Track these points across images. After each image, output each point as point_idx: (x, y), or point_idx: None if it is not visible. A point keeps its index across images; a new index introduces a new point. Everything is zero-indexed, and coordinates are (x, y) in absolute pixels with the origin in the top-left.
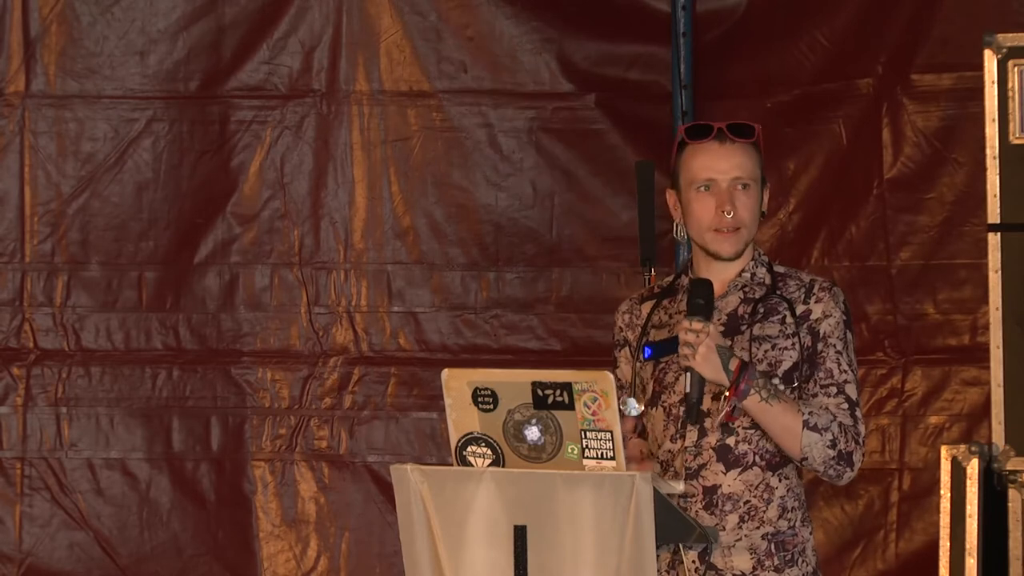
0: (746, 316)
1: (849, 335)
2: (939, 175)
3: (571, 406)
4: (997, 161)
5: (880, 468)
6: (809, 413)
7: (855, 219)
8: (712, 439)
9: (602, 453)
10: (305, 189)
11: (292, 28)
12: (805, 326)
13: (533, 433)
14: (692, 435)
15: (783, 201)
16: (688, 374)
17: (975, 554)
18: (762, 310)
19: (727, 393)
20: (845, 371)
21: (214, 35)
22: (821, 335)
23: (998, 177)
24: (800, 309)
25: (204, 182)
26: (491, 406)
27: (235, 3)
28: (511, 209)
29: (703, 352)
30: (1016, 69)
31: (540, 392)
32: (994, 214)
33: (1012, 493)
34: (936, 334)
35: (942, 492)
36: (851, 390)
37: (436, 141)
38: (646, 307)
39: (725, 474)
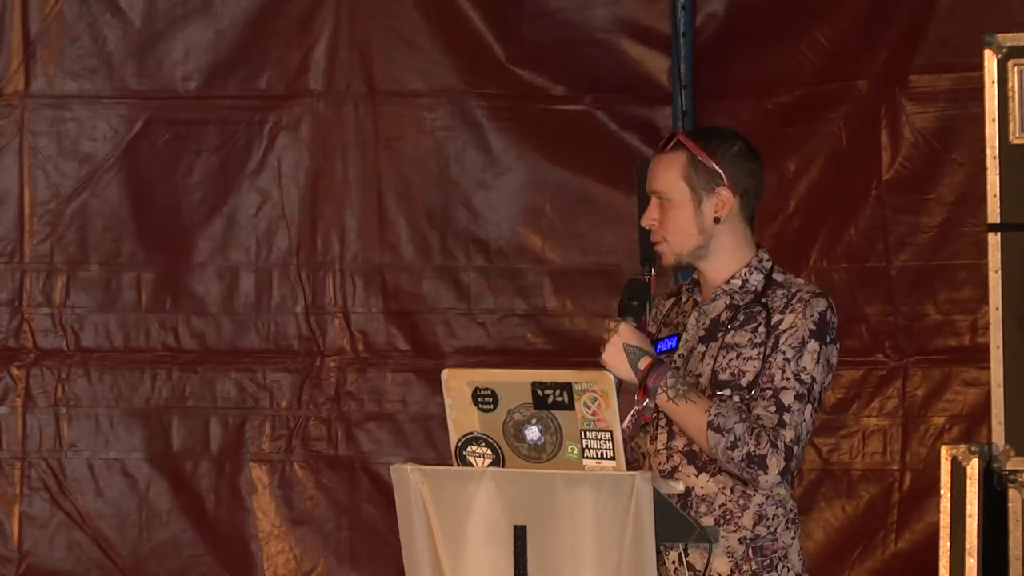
0: (727, 323)
1: (812, 344)
2: (938, 176)
3: (571, 406)
4: (997, 161)
5: (881, 469)
6: (716, 414)
7: (854, 220)
8: (680, 442)
9: (602, 453)
10: (303, 189)
11: (290, 28)
12: (773, 336)
13: (533, 433)
14: (662, 438)
15: (783, 202)
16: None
17: (975, 554)
18: (741, 318)
19: (638, 392)
20: (787, 378)
21: (213, 35)
22: (778, 344)
23: (998, 177)
24: (775, 319)
25: (202, 182)
26: (491, 406)
27: (234, 3)
28: (509, 209)
29: (609, 350)
30: (1016, 69)
31: (540, 392)
32: (994, 214)
33: (1012, 493)
34: (936, 335)
35: (942, 492)
36: (786, 396)
37: (434, 141)
38: (668, 303)
39: (697, 476)
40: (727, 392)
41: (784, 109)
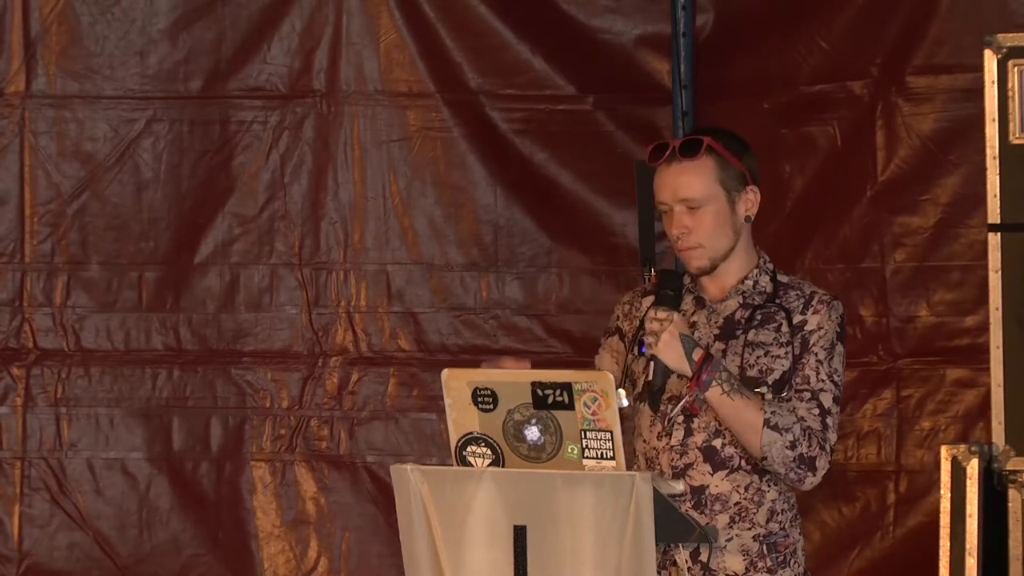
0: (743, 322)
1: (839, 347)
2: (934, 177)
3: (571, 406)
4: (997, 161)
5: (877, 470)
6: (772, 412)
7: (850, 221)
8: (698, 439)
9: (602, 453)
10: (305, 189)
11: (292, 28)
12: (799, 336)
13: (533, 433)
14: (678, 434)
15: (779, 202)
16: (652, 361)
17: (975, 554)
18: (759, 317)
19: (689, 383)
20: (823, 380)
21: (214, 35)
22: (808, 345)
23: (998, 177)
24: (797, 319)
25: (204, 182)
26: (491, 406)
27: (235, 3)
28: (510, 210)
29: (666, 339)
30: (1016, 69)
31: (540, 392)
32: (994, 214)
33: (1012, 493)
34: (931, 336)
35: (942, 492)
36: (826, 398)
37: (435, 141)
38: (647, 301)
39: (712, 475)
40: (762, 390)
41: (781, 110)
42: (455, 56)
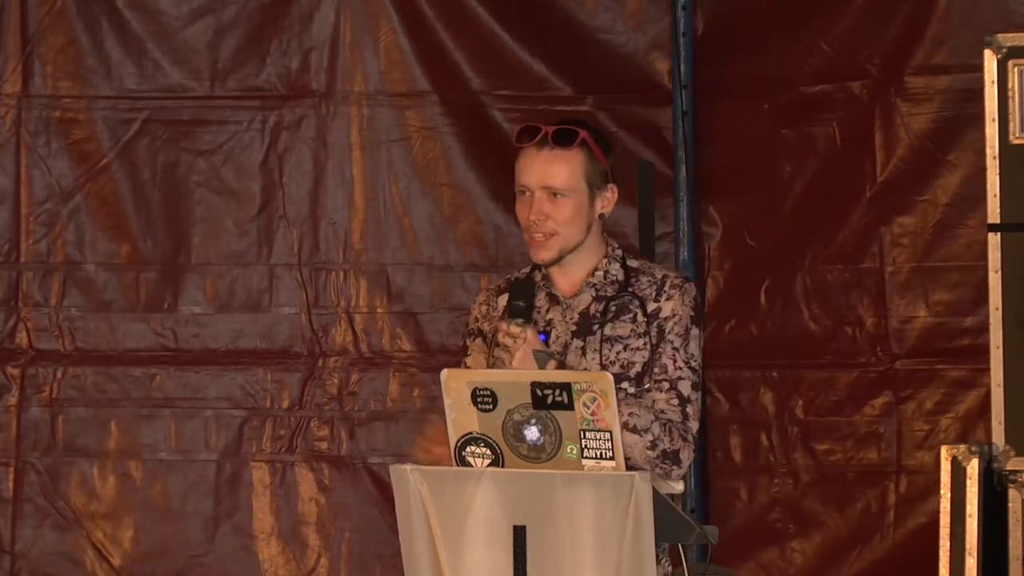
0: (597, 315)
1: (694, 331)
2: (932, 177)
3: (570, 406)
4: (997, 161)
5: (877, 471)
6: (629, 414)
7: (848, 221)
8: None
9: (601, 453)
10: (304, 189)
11: (292, 28)
12: (655, 324)
13: (532, 433)
14: None
15: (778, 203)
16: None
17: (975, 554)
18: (614, 309)
19: None
20: (680, 367)
21: (212, 35)
22: (664, 333)
23: (998, 177)
24: (651, 307)
25: (201, 182)
26: (490, 406)
27: (235, 3)
28: (510, 210)
29: (520, 357)
30: (1016, 69)
31: (539, 392)
32: (994, 214)
33: (1012, 493)
34: (930, 336)
35: (942, 492)
36: (684, 386)
37: (435, 141)
38: (503, 299)
39: None
40: (624, 385)
41: (781, 110)
42: (454, 56)
